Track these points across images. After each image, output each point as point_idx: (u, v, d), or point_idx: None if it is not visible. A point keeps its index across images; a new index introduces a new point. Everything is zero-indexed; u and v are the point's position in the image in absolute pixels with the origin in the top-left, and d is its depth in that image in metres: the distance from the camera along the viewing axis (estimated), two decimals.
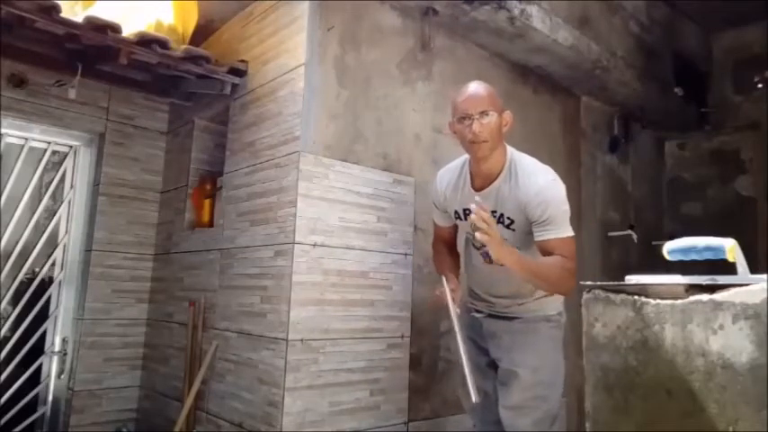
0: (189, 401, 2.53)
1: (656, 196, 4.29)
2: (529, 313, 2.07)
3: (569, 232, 1.90)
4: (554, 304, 2.11)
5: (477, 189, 2.02)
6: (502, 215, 1.98)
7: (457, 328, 1.93)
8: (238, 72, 2.65)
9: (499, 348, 2.10)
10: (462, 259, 2.29)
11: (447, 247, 2.26)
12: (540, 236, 1.89)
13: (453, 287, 2.08)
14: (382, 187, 2.48)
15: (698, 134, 4.29)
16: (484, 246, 2.05)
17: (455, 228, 2.23)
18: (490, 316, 2.14)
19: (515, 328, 2.07)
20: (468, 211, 2.05)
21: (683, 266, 1.21)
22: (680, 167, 4.32)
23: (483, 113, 1.91)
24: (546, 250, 1.90)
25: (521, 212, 1.93)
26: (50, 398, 2.94)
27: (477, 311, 2.19)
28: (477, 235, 1.76)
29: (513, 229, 1.97)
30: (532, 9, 2.79)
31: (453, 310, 1.95)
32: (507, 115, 1.99)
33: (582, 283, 1.26)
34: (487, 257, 2.09)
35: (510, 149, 2.03)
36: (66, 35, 2.34)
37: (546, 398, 2.02)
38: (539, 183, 1.91)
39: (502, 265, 2.03)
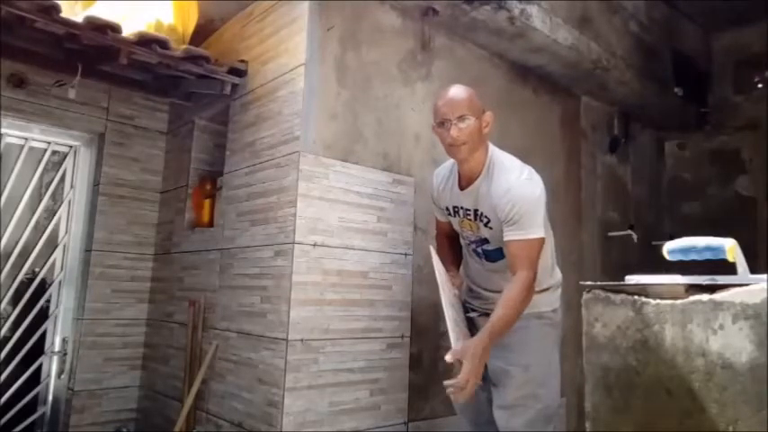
0: (189, 401, 2.53)
1: (656, 196, 4.29)
2: None
3: (536, 233, 1.89)
4: (547, 300, 2.10)
5: (462, 188, 2.07)
6: (482, 213, 2.01)
7: (445, 310, 1.93)
8: (238, 72, 2.65)
9: (492, 347, 2.08)
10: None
11: (448, 240, 2.29)
12: (506, 236, 1.91)
13: (453, 274, 2.16)
14: (382, 187, 2.48)
15: (698, 134, 4.29)
16: (474, 243, 2.09)
17: None
18: (484, 315, 2.13)
19: None
20: (456, 209, 2.11)
21: (683, 266, 1.21)
22: (680, 167, 4.32)
23: (461, 118, 1.93)
24: (509, 253, 1.93)
25: (494, 212, 1.95)
26: (50, 398, 2.94)
27: (473, 310, 2.19)
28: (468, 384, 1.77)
29: (491, 228, 2.00)
30: (532, 9, 2.79)
31: (441, 285, 1.98)
32: (488, 116, 2.01)
33: (582, 282, 1.26)
34: (481, 255, 2.11)
35: (492, 149, 2.05)
36: (66, 35, 2.34)
37: (539, 397, 2.00)
38: (509, 181, 1.93)
39: (495, 261, 2.07)
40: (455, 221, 2.15)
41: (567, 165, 3.48)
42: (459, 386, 1.74)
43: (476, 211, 2.03)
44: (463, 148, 1.95)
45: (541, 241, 1.93)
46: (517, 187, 1.92)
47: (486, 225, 2.01)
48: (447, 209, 2.16)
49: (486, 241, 2.06)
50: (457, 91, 2.01)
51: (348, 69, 2.44)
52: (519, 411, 1.98)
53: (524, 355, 2.02)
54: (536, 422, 1.98)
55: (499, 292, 2.05)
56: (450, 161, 2.18)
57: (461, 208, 2.09)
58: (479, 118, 1.98)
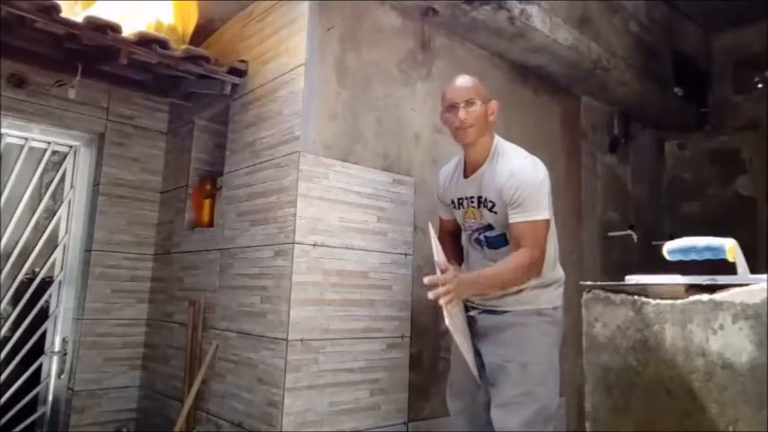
0: (189, 401, 2.53)
1: (656, 196, 4.29)
2: (521, 306, 2.05)
3: (541, 215, 1.95)
4: (548, 297, 2.09)
5: (467, 177, 2.13)
6: (486, 199, 2.06)
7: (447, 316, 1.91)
8: (238, 72, 2.65)
9: (490, 344, 2.08)
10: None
11: (451, 239, 2.32)
12: (511, 219, 1.97)
13: (455, 267, 2.17)
14: (382, 187, 2.48)
15: (698, 134, 4.29)
16: (477, 231, 2.14)
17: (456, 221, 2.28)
18: (484, 312, 2.13)
19: (506, 322, 2.05)
20: (460, 201, 2.16)
21: (683, 266, 1.21)
22: (680, 167, 4.32)
23: (468, 102, 2.04)
24: (513, 236, 1.97)
25: (498, 196, 2.01)
26: (50, 398, 2.94)
27: (473, 308, 2.18)
28: (446, 299, 1.80)
29: (495, 212, 2.05)
30: (532, 9, 2.79)
31: (436, 252, 1.99)
32: (493, 104, 2.11)
33: (582, 282, 1.26)
34: (483, 243, 2.14)
35: (497, 138, 2.13)
36: (66, 35, 2.34)
37: (536, 395, 1.97)
38: (513, 165, 2.01)
39: (496, 249, 2.10)
40: (459, 214, 2.19)
41: (567, 164, 3.48)
42: (435, 281, 1.82)
43: (479, 197, 2.08)
44: (470, 130, 2.04)
45: (547, 223, 1.98)
46: (521, 171, 1.99)
47: (490, 210, 2.06)
48: (452, 202, 2.21)
49: (489, 227, 2.09)
50: (464, 78, 2.12)
51: (348, 69, 2.44)
52: (516, 410, 1.96)
53: (523, 352, 2.01)
54: (534, 423, 1.95)
55: None
56: (455, 158, 2.24)
57: (465, 198, 2.14)
58: (486, 104, 2.07)
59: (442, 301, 1.79)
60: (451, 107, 2.07)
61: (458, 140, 2.12)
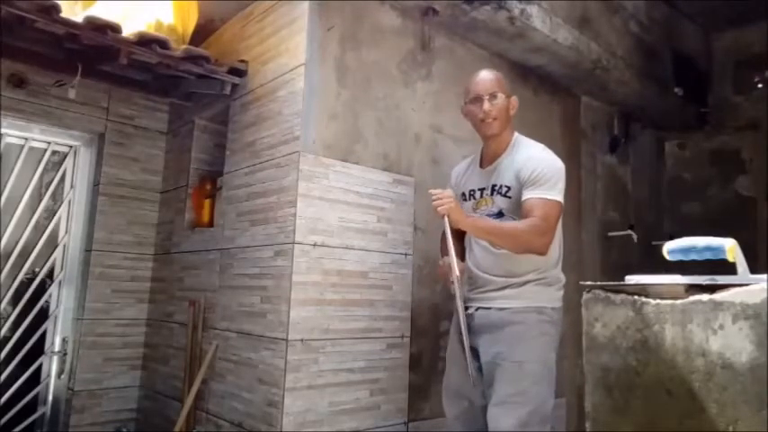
0: (189, 401, 2.53)
1: (656, 196, 4.29)
2: (521, 302, 2.05)
3: (554, 196, 2.00)
4: (549, 296, 2.09)
5: (483, 167, 2.22)
6: (501, 185, 2.12)
7: (458, 300, 2.01)
8: (238, 72, 2.65)
9: (487, 342, 2.07)
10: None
11: (455, 237, 2.29)
12: (524, 196, 2.02)
13: (457, 266, 2.24)
14: (382, 187, 2.48)
15: (698, 134, 4.29)
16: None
17: None
18: (481, 309, 2.12)
19: (504, 320, 2.04)
20: (472, 192, 2.22)
21: (683, 266, 1.21)
22: (680, 167, 4.32)
23: (492, 95, 2.12)
24: (525, 209, 2.01)
25: (516, 179, 2.07)
26: (50, 398, 2.94)
27: (472, 302, 2.18)
28: (439, 209, 2.00)
29: (509, 197, 2.10)
30: (532, 9, 2.79)
31: (456, 280, 2.01)
32: (514, 100, 2.21)
33: (582, 282, 1.26)
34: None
35: (516, 133, 2.22)
36: (66, 35, 2.34)
37: (531, 395, 1.96)
38: (532, 152, 2.12)
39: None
40: (469, 205, 2.22)
41: (566, 165, 3.43)
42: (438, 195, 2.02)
43: (493, 186, 2.14)
44: (494, 123, 2.12)
45: (559, 206, 2.02)
46: (541, 156, 2.09)
47: (504, 195, 2.11)
48: (464, 194, 2.25)
49: (500, 214, 2.12)
50: (488, 72, 2.20)
51: (348, 69, 2.44)
52: (510, 409, 1.94)
53: (519, 351, 2.00)
54: (530, 423, 1.93)
55: (501, 276, 2.09)
56: (468, 158, 2.32)
57: (478, 189, 2.20)
58: (508, 98, 2.17)
59: (436, 205, 2.00)
60: (476, 99, 2.13)
61: (481, 133, 2.19)
